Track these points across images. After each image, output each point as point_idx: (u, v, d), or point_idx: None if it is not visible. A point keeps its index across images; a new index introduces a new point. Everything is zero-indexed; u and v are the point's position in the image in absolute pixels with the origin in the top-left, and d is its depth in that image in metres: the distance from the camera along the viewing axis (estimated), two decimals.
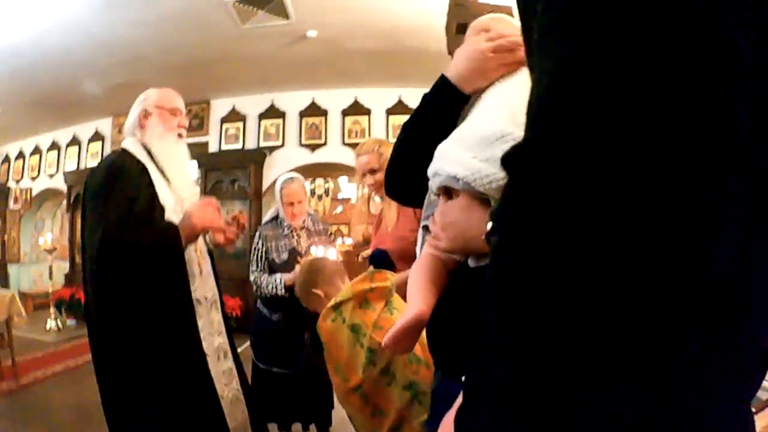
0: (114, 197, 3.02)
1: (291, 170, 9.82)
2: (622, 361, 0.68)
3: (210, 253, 3.67)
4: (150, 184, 3.19)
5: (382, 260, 3.71)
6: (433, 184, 1.66)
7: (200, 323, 3.27)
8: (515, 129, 1.47)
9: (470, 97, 1.86)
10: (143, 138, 3.32)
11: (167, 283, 3.11)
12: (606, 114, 0.67)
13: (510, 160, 0.81)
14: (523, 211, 0.75)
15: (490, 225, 1.39)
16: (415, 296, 1.75)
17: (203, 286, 3.43)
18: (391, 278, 2.98)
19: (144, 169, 3.22)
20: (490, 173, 1.48)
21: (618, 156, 0.66)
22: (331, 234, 4.99)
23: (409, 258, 3.29)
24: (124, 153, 3.28)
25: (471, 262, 1.66)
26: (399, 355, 2.58)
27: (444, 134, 1.69)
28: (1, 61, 9.08)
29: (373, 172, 3.94)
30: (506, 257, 0.79)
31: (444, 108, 1.88)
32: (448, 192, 1.61)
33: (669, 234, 0.66)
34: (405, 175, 1.99)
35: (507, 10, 2.74)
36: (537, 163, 0.74)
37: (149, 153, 3.30)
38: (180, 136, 3.49)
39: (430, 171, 1.66)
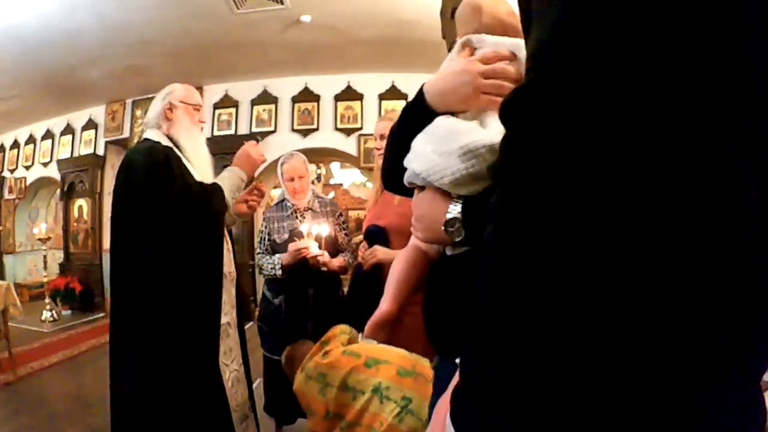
0: (169, 172, 3.29)
1: (283, 155, 10.02)
2: (623, 346, 0.68)
3: (228, 231, 3.91)
4: (185, 167, 3.49)
5: (377, 236, 3.73)
6: (405, 177, 1.74)
7: (225, 297, 3.53)
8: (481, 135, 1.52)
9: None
10: (170, 130, 3.59)
11: (212, 247, 3.46)
12: (605, 58, 0.68)
13: (507, 107, 0.82)
14: (520, 171, 0.77)
15: (448, 215, 1.54)
16: (388, 292, 1.91)
17: (229, 261, 3.69)
18: (343, 328, 3.35)
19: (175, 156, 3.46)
20: (442, 168, 1.55)
21: (618, 97, 0.67)
22: (340, 215, 4.92)
23: (409, 236, 3.39)
24: (152, 141, 3.48)
25: (447, 251, 1.73)
26: (349, 368, 2.88)
27: None
28: (9, 42, 8.96)
29: (383, 137, 3.77)
30: (501, 231, 0.81)
31: (419, 124, 1.78)
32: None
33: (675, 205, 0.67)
34: (394, 178, 1.94)
35: None
36: (534, 106, 0.76)
37: (174, 144, 3.54)
38: (201, 129, 3.82)
39: (405, 162, 1.72)
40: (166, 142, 3.50)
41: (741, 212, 0.67)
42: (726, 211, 0.66)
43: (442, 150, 1.57)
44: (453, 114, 1.72)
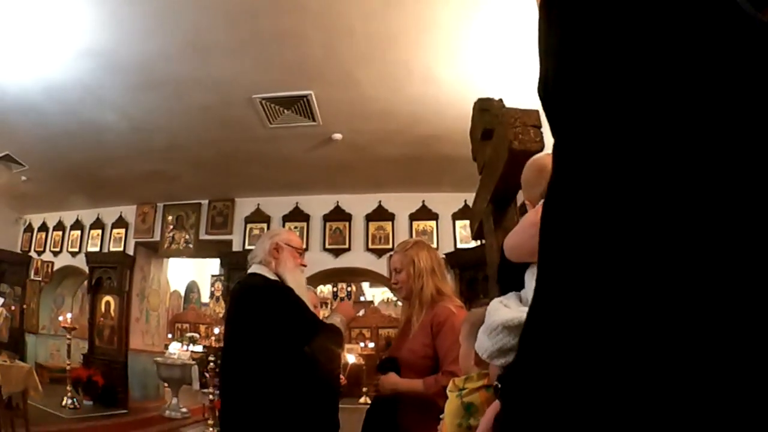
0: (306, 310, 3.91)
1: (314, 274, 10.42)
2: None
3: None
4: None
5: (387, 367, 3.78)
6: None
7: None
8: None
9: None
10: (277, 268, 4.02)
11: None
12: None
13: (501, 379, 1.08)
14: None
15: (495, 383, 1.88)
16: None
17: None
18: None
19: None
20: (482, 345, 1.92)
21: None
22: None
23: (416, 370, 3.59)
24: (264, 277, 3.97)
25: None
26: None
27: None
28: (35, 123, 9.09)
29: (396, 271, 3.94)
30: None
31: (507, 278, 2.07)
32: None
33: None
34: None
35: (535, 115, 2.70)
36: (513, 385, 0.94)
37: (281, 280, 4.01)
38: (302, 271, 4.27)
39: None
40: (273, 277, 3.93)
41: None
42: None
43: (482, 330, 1.93)
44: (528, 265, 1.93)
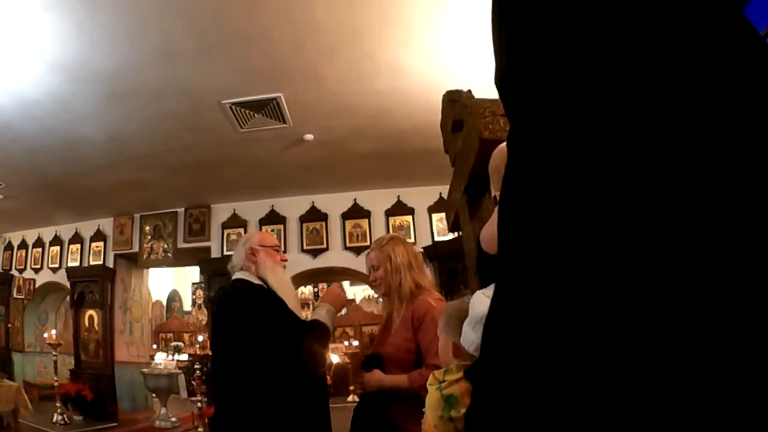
0: (287, 313, 3.89)
1: (293, 276, 10.06)
2: None
3: None
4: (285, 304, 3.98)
5: (371, 364, 3.78)
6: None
7: None
8: None
9: None
10: (258, 271, 4.07)
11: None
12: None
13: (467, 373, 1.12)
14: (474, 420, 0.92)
15: None
16: None
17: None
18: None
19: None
20: (467, 339, 1.98)
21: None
22: None
23: (400, 365, 3.61)
24: (247, 282, 4.02)
25: None
26: None
27: None
28: (10, 141, 8.95)
29: (374, 268, 3.94)
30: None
31: (486, 269, 2.11)
32: None
33: None
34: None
35: None
36: (476, 382, 0.97)
37: (264, 282, 4.04)
38: (284, 267, 4.27)
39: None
40: (257, 281, 3.99)
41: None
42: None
43: (467, 323, 1.98)
44: None
